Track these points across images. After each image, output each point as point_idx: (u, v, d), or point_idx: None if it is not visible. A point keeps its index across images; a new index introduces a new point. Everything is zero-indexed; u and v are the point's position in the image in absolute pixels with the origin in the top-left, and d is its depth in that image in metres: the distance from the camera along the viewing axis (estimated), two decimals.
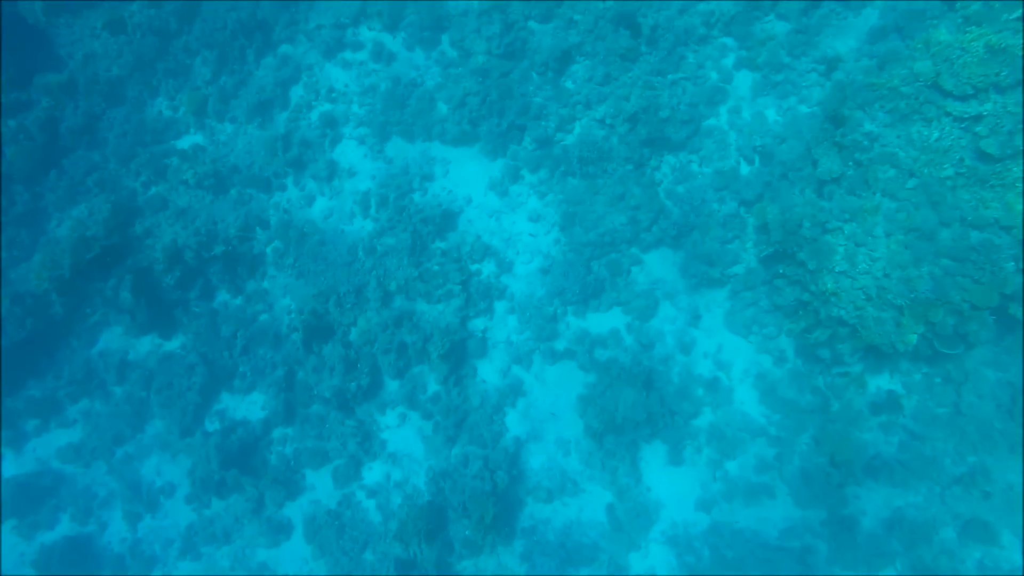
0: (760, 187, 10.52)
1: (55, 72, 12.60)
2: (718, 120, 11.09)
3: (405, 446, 11.23)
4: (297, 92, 12.55)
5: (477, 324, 11.48)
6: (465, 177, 11.92)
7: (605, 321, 11.39)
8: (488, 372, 11.43)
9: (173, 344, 12.45)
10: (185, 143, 12.67)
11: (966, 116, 8.58)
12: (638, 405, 10.25)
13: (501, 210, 11.75)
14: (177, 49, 12.72)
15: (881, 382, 9.85)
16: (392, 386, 11.58)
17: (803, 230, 9.13)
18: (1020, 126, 8.37)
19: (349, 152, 12.27)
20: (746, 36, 11.14)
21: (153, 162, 12.46)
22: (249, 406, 12.01)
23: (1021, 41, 8.37)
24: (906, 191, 8.72)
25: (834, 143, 9.35)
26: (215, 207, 12.30)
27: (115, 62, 12.58)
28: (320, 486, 11.28)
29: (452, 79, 11.99)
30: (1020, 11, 9.07)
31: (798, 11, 10.90)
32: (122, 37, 12.55)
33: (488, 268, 11.59)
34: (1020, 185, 8.23)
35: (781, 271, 9.81)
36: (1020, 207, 8.20)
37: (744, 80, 11.18)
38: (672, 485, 10.47)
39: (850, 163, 9.16)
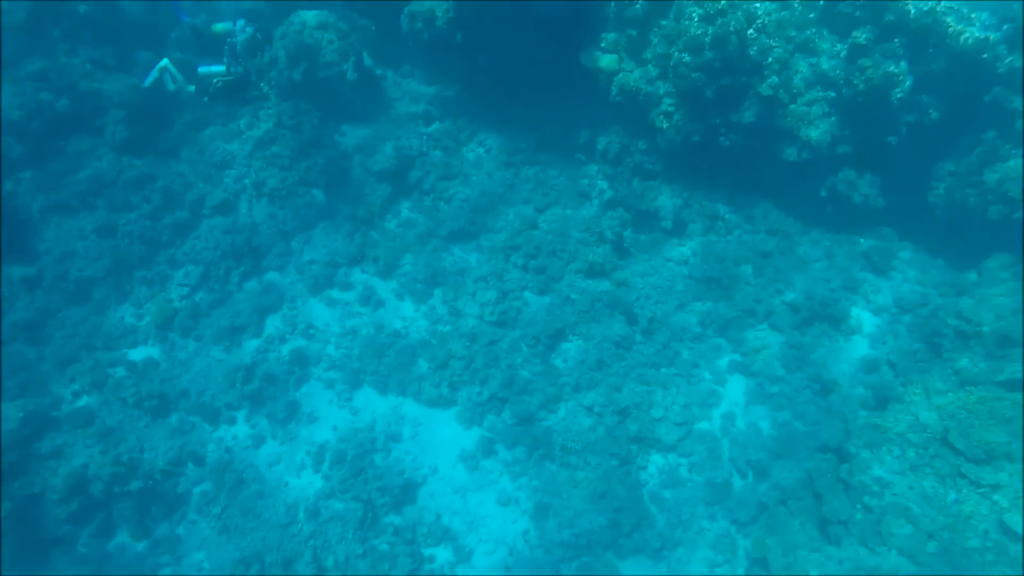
0: (755, 508, 9.44)
1: (25, 265, 11.73)
2: (711, 425, 10.35)
3: None
4: (274, 322, 11.73)
5: None
6: (435, 443, 10.70)
7: None
8: None
9: None
10: (138, 355, 11.45)
11: (983, 483, 7.89)
12: None
13: (468, 487, 10.35)
14: (162, 260, 12.11)
15: None
16: None
17: None
18: None
19: (314, 395, 11.11)
20: (740, 341, 10.90)
21: (96, 370, 11.08)
22: None
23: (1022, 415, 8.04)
24: (927, 555, 7.67)
25: (839, 479, 8.50)
26: (148, 432, 10.72)
27: (93, 264, 11.82)
28: None
29: (438, 337, 11.34)
30: (1006, 375, 8.95)
31: (791, 325, 10.82)
32: (109, 242, 11.96)
33: (444, 555, 9.85)
34: None
35: None
36: None
37: (738, 385, 10.68)
38: None
39: (859, 506, 8.23)
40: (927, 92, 10.41)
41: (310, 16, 12.62)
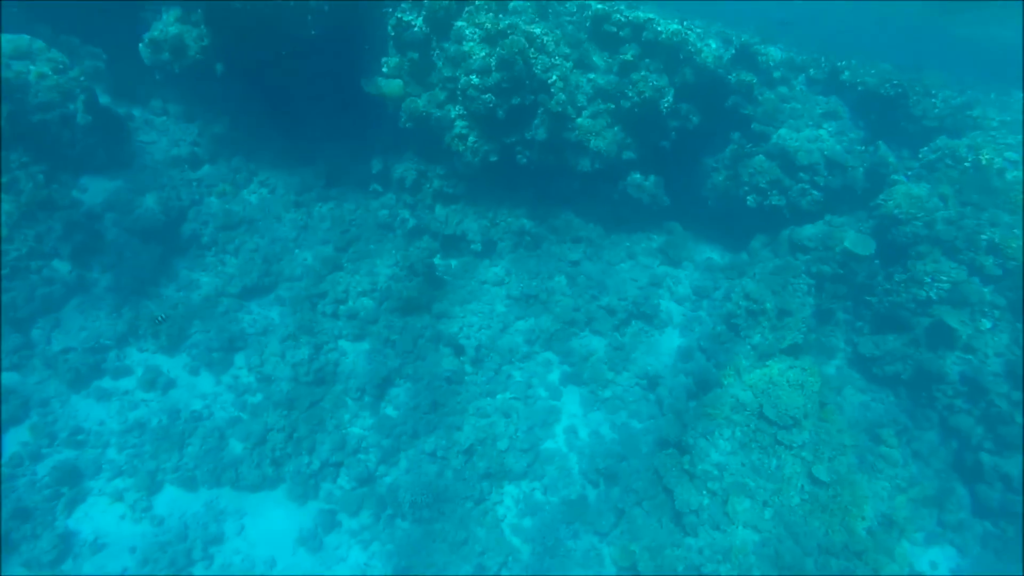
0: (613, 515, 9.50)
1: None
2: (556, 442, 10.24)
3: None
4: (19, 437, 9.13)
5: None
6: (267, 532, 9.16)
7: None
8: None
9: None
10: None
11: (794, 444, 8.76)
12: None
13: (315, 572, 9.02)
14: None
15: None
16: None
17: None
18: (837, 452, 8.74)
19: (97, 516, 8.86)
20: (568, 352, 10.96)
21: None
22: None
23: (814, 379, 9.12)
24: (765, 522, 8.29)
25: (684, 471, 8.86)
26: None
27: None
28: None
29: (250, 411, 9.76)
30: (788, 342, 10.15)
31: (611, 328, 11.16)
32: None
33: None
34: (853, 509, 8.30)
35: None
36: (861, 532, 8.17)
37: (572, 396, 10.73)
38: None
39: (705, 492, 8.64)
40: (685, 101, 11.38)
41: (3, 42, 9.93)
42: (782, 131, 11.55)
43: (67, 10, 10.54)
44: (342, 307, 10.81)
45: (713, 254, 12.44)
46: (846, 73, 12.75)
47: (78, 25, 11.04)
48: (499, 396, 10.43)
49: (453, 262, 11.64)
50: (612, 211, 12.12)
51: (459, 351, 10.64)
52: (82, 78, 10.49)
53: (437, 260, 11.42)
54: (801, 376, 9.24)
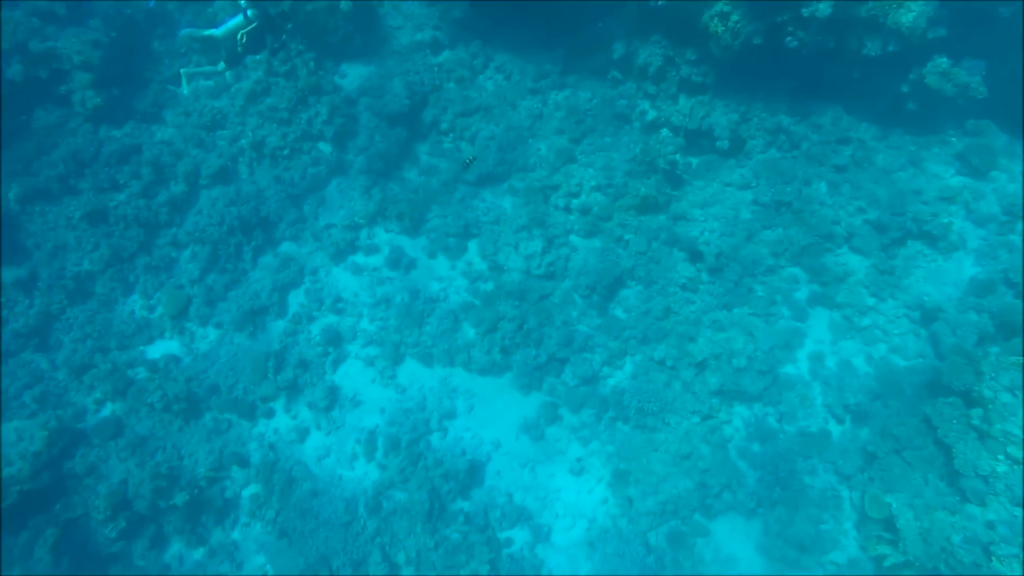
0: (860, 459, 8.25)
1: (15, 266, 10.10)
2: (797, 368, 9.01)
3: None
4: (297, 299, 10.22)
5: None
6: (493, 415, 9.44)
7: None
8: None
9: None
10: (157, 352, 10.03)
11: None
12: None
13: (536, 459, 9.18)
14: (164, 242, 10.45)
15: None
16: None
17: (957, 550, 6.72)
18: None
19: (354, 376, 9.76)
20: (819, 270, 9.36)
21: (114, 375, 9.72)
22: None
23: None
24: None
25: (971, 426, 7.20)
26: (183, 436, 9.47)
27: (88, 256, 10.20)
28: None
29: (482, 298, 9.84)
30: None
31: (877, 247, 9.25)
32: (102, 228, 10.26)
33: (521, 536, 8.81)
34: None
35: None
36: None
37: (821, 319, 9.26)
38: None
39: (1001, 457, 6.97)
40: None
41: None
42: None
43: None
44: (575, 201, 10.22)
45: None
46: None
47: None
48: (736, 310, 9.32)
49: (694, 160, 10.32)
50: (894, 107, 9.69)
51: (696, 257, 9.59)
52: None
53: (678, 157, 10.16)
54: None
